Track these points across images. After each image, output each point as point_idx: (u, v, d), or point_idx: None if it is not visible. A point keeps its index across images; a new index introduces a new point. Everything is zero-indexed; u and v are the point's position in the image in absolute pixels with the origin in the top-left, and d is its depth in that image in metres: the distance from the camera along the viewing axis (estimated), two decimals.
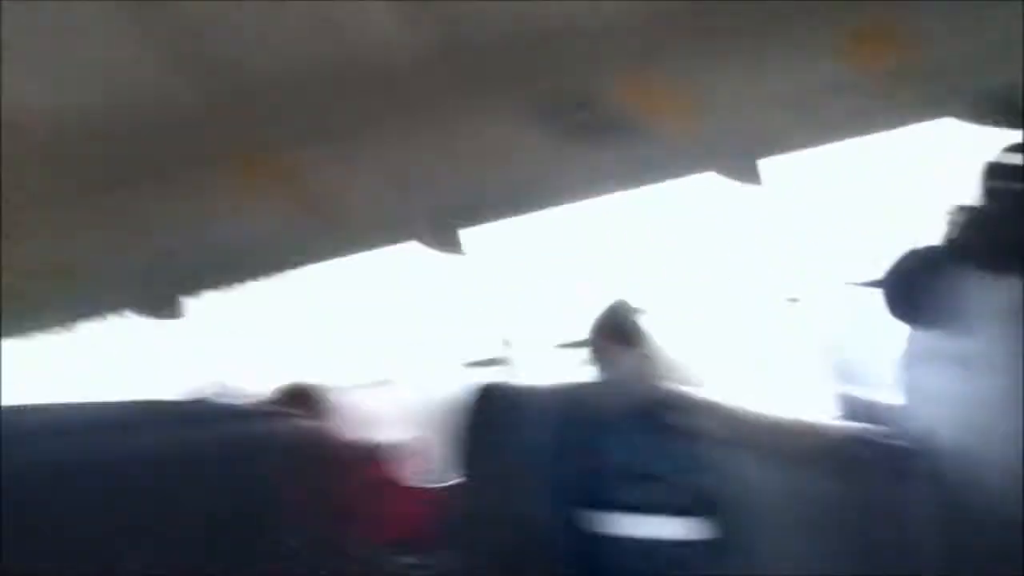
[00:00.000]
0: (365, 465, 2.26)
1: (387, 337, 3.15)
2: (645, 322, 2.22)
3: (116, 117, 2.84)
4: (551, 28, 2.70)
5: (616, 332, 2.18)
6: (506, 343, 2.89)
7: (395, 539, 2.08)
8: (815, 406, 2.59)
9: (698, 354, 2.46)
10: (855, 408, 2.53)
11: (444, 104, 2.85)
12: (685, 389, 2.11)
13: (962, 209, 2.22)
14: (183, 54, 2.67)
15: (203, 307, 3.12)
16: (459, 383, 1.77)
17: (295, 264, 3.08)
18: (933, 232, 2.21)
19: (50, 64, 2.66)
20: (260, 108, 2.83)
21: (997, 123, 2.44)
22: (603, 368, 2.11)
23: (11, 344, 3.26)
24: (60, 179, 3.00)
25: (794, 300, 2.70)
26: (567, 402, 2.03)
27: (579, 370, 2.20)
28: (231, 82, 2.77)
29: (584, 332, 2.25)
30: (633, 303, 2.27)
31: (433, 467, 2.29)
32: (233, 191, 2.97)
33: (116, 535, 0.67)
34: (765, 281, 2.77)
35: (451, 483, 1.67)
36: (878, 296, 2.13)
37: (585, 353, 2.22)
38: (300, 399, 2.34)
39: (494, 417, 1.63)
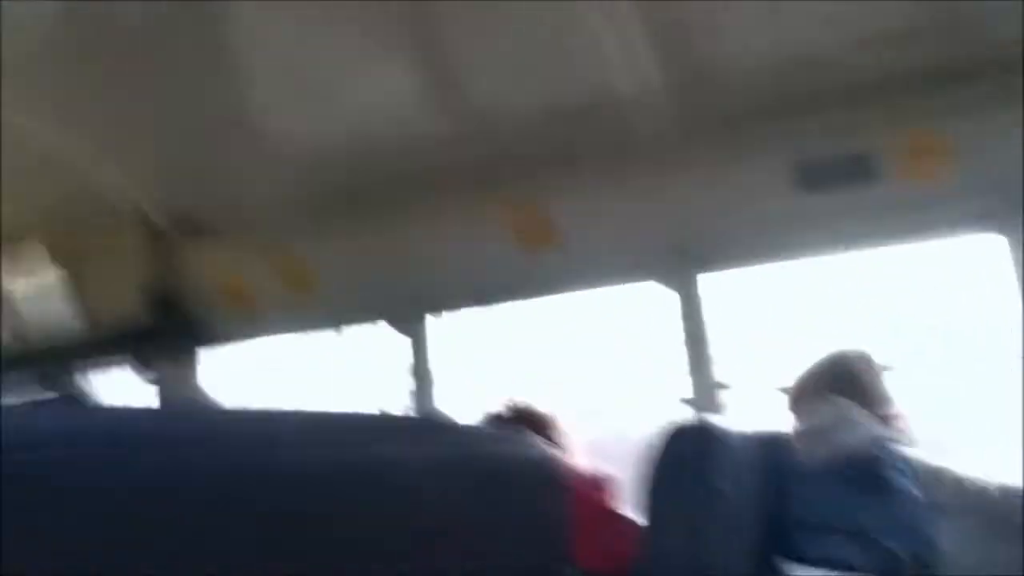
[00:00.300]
0: (587, 493, 2.31)
1: (605, 369, 3.19)
2: (873, 375, 2.17)
3: (373, 146, 3.08)
4: (805, 79, 2.70)
5: (836, 381, 2.14)
6: (720, 385, 2.86)
7: (606, 570, 2.14)
8: None
9: (923, 413, 2.38)
10: None
11: (693, 147, 2.89)
12: (899, 447, 2.04)
13: None
14: (438, 92, 2.87)
15: (435, 327, 3.30)
16: (665, 420, 1.77)
17: (529, 293, 3.20)
18: None
19: (317, 97, 2.94)
20: (507, 142, 2.99)
21: None
22: (815, 416, 2.08)
23: (248, 347, 3.57)
24: (316, 198, 3.28)
25: None
26: (769, 448, 1.99)
27: (788, 417, 2.18)
28: (479, 116, 2.94)
29: (801, 378, 2.23)
30: (865, 356, 2.22)
31: (630, 502, 2.30)
32: (476, 220, 3.13)
33: (343, 546, 0.68)
34: (1000, 342, 2.63)
35: (642, 520, 1.66)
36: None
37: (798, 399, 2.19)
38: (525, 421, 2.36)
39: (685, 457, 1.63)
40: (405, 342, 3.29)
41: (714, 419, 1.81)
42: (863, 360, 2.20)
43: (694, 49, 2.69)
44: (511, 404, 2.45)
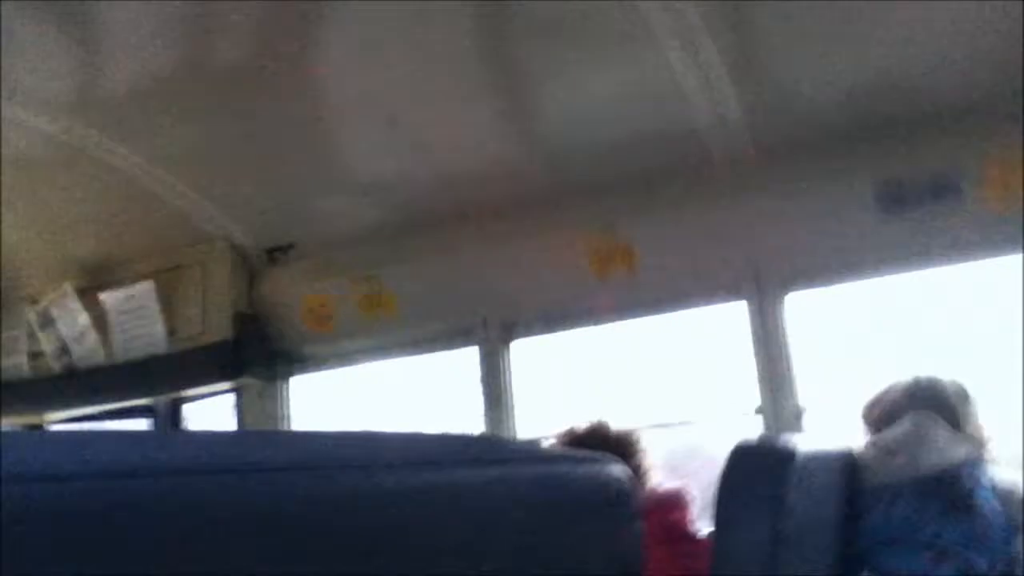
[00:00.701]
0: (660, 514, 2.31)
1: (683, 384, 3.18)
2: (959, 396, 2.16)
3: (453, 174, 3.15)
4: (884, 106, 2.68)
5: (922, 399, 2.13)
6: (797, 403, 2.84)
7: None
8: None
9: (1007, 431, 2.34)
10: None
11: (772, 169, 2.88)
12: (983, 465, 2.02)
13: None
14: (517, 120, 2.93)
15: (514, 350, 3.34)
16: (740, 437, 1.78)
17: (606, 318, 3.22)
18: None
19: (399, 128, 3.02)
20: (585, 169, 3.03)
21: None
22: (899, 430, 2.07)
23: (330, 372, 3.64)
24: (398, 225, 3.35)
25: None
26: (845, 466, 1.97)
27: (867, 431, 2.17)
28: (556, 143, 2.99)
29: (885, 394, 2.21)
30: (953, 380, 2.20)
31: (703, 519, 2.30)
32: (553, 246, 3.17)
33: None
34: None
35: (711, 536, 1.67)
36: None
37: (880, 414, 2.18)
38: (602, 440, 2.38)
39: (756, 475, 1.63)
40: (482, 366, 3.34)
41: (788, 437, 1.81)
42: (950, 383, 2.19)
43: (772, 74, 2.70)
44: (589, 423, 2.47)
